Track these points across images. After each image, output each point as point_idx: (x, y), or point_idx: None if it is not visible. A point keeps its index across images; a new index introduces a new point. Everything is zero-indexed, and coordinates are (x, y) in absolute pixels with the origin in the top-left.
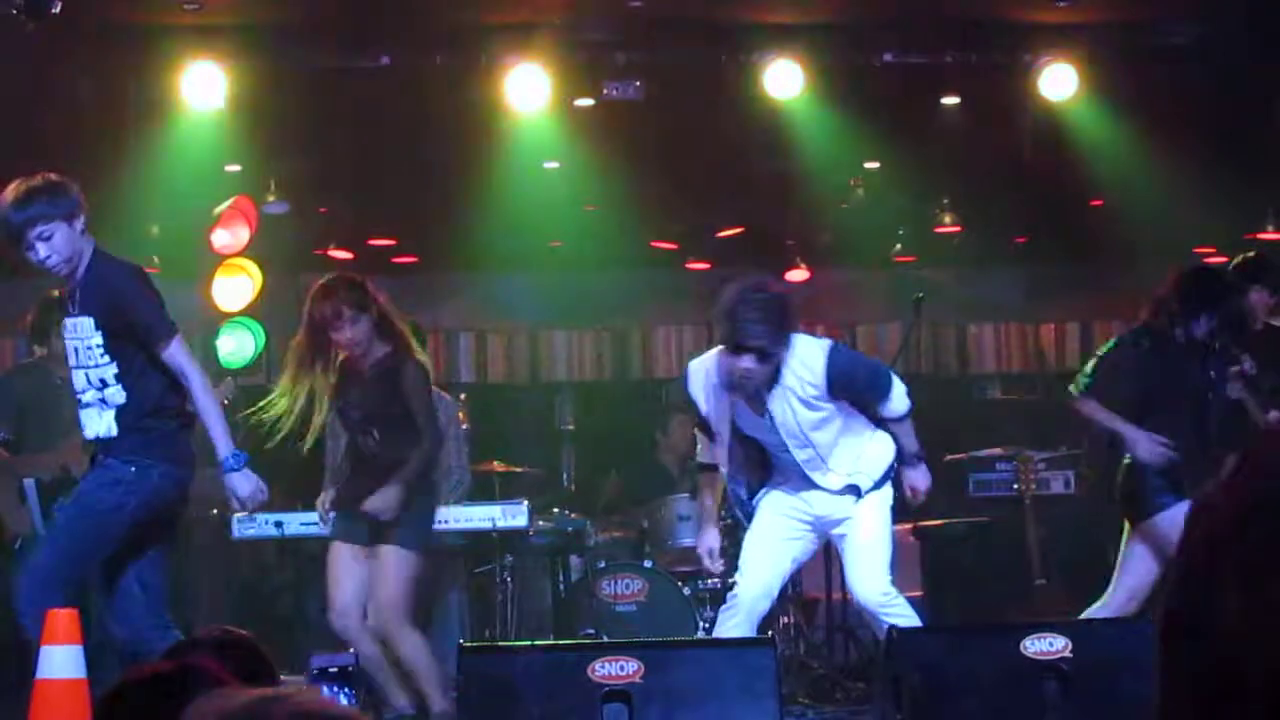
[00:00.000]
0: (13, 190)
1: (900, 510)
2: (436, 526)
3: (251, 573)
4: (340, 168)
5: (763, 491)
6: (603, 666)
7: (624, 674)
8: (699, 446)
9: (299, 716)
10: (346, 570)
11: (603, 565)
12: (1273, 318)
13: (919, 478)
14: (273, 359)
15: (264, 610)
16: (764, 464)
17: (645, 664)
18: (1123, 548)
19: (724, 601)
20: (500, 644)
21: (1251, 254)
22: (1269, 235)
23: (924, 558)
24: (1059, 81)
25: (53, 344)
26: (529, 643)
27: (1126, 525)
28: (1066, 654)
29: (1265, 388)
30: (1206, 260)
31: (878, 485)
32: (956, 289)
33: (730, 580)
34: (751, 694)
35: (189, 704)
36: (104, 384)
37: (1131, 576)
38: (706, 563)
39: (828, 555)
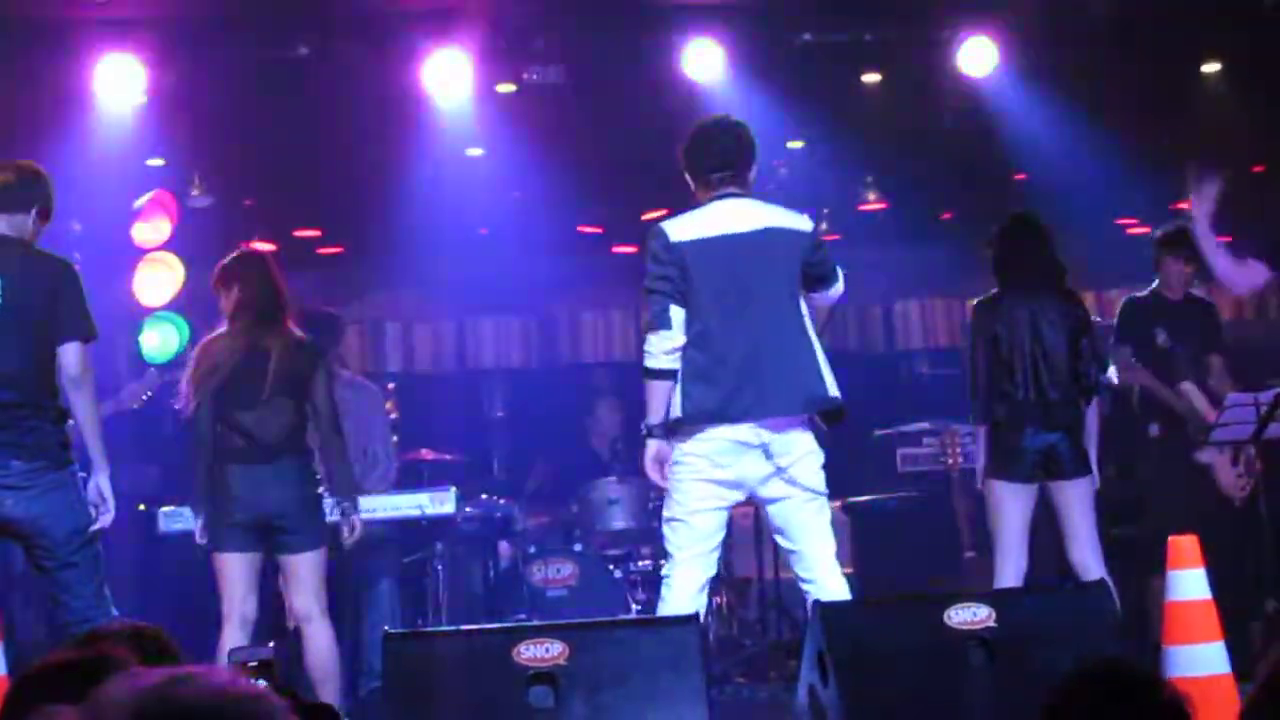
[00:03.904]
0: None
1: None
2: (365, 515)
3: (178, 570)
4: (263, 160)
5: None
6: (527, 649)
7: (549, 656)
8: None
9: (208, 695)
10: None
11: (533, 551)
12: (1192, 288)
13: None
14: None
15: (190, 609)
16: None
17: (570, 645)
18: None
19: (656, 582)
20: (425, 630)
21: (1174, 225)
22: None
23: (854, 533)
24: (979, 56)
25: None
26: (455, 628)
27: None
28: (990, 623)
29: (1185, 357)
30: (1130, 231)
31: None
32: (882, 266)
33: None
34: (678, 671)
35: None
36: None
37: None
38: None
39: (759, 533)
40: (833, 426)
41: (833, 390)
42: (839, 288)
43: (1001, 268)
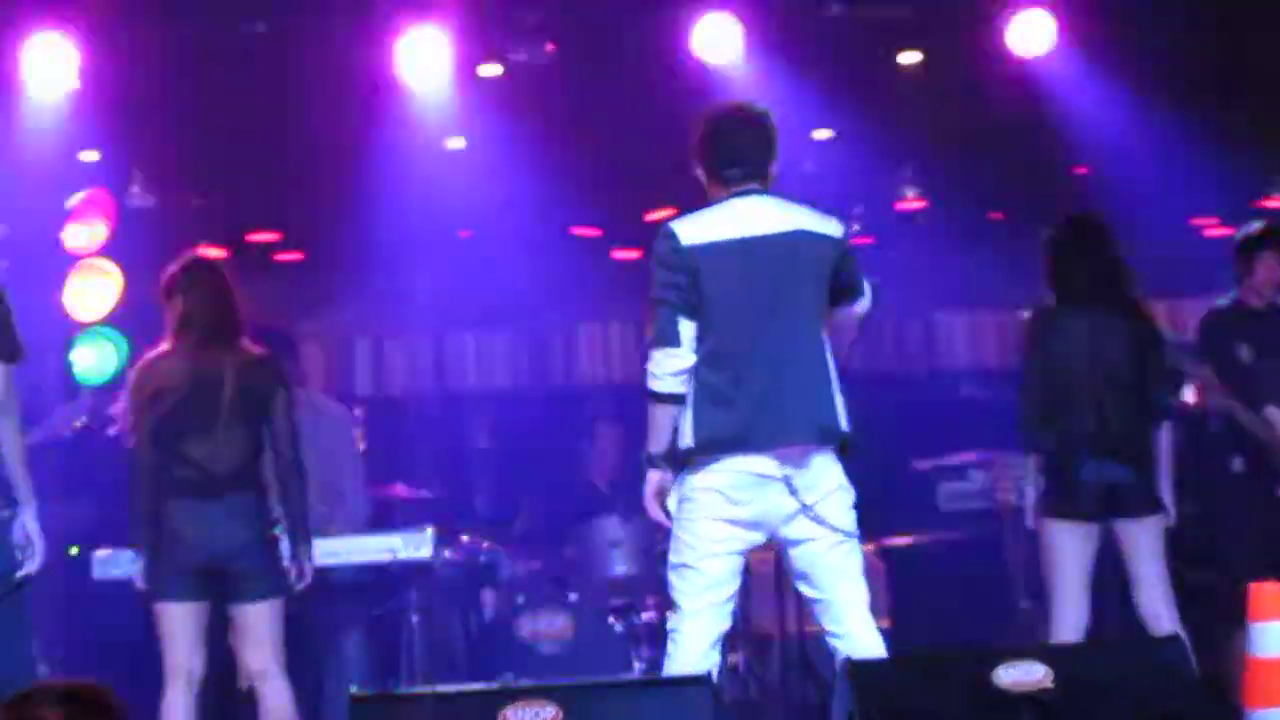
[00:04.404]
0: None
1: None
2: (330, 560)
3: (116, 621)
4: (212, 153)
5: None
6: (515, 713)
7: None
8: None
9: None
10: None
11: (521, 600)
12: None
13: None
14: None
15: (129, 666)
16: None
17: (564, 709)
18: None
19: (663, 637)
20: (396, 692)
21: (1260, 222)
22: (1278, 202)
23: (890, 580)
24: (1034, 33)
25: None
26: (430, 690)
27: None
28: (1046, 683)
29: (1273, 374)
30: (1208, 232)
31: None
32: (922, 273)
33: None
34: None
35: None
36: None
37: None
38: None
39: (780, 581)
40: (843, 462)
41: (844, 423)
42: (866, 301)
43: (1057, 276)
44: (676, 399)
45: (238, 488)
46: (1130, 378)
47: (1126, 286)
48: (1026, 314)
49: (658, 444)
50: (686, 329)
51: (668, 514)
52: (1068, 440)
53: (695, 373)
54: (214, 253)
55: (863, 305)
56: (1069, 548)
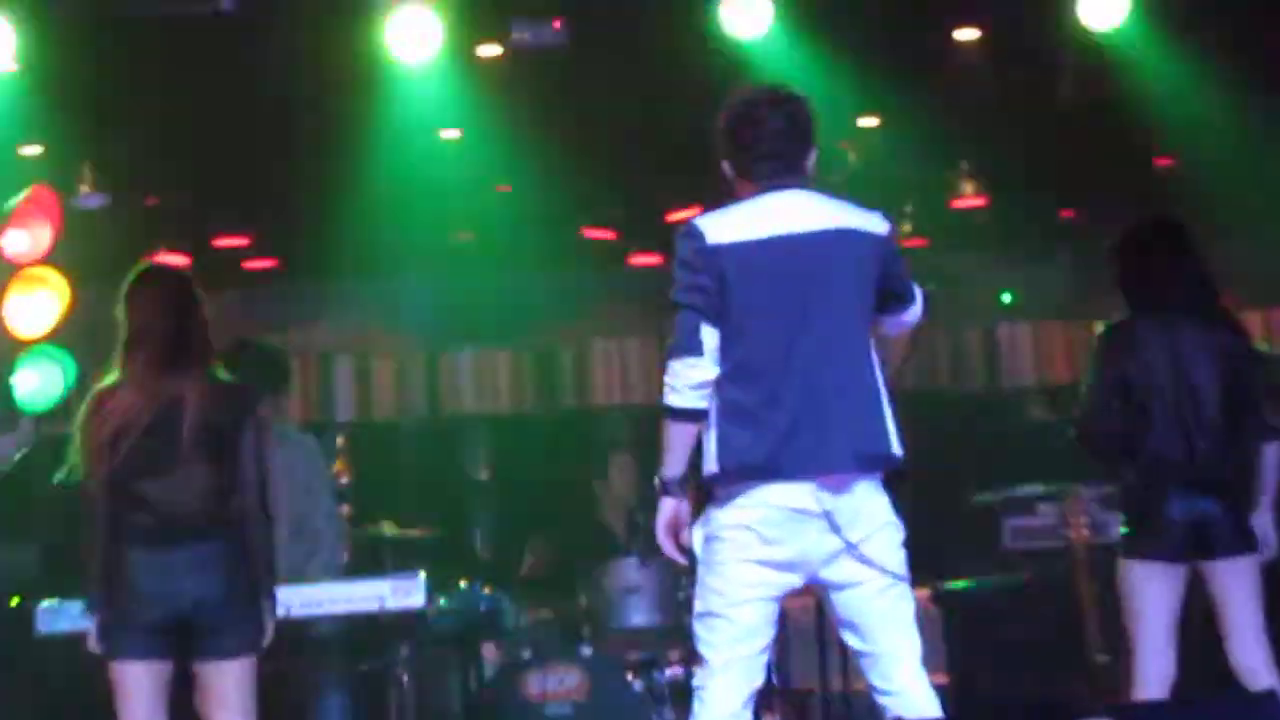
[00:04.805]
0: None
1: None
2: (308, 610)
3: (64, 681)
4: (173, 146)
5: None
6: None
7: None
8: None
9: None
10: None
11: (528, 655)
12: None
13: None
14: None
15: None
16: None
17: None
18: None
19: (688, 695)
20: None
21: None
22: None
23: (947, 630)
24: (1106, 5)
25: None
26: None
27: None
28: None
29: None
30: None
31: None
32: (983, 279)
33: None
34: None
35: None
36: None
37: None
38: None
39: (821, 631)
40: (892, 495)
41: (897, 446)
42: (917, 310)
43: (1134, 284)
44: (696, 415)
45: (203, 532)
46: (1220, 399)
47: (1211, 297)
48: (1100, 327)
49: (673, 467)
50: (710, 337)
51: (683, 549)
52: (1150, 471)
53: (718, 389)
54: (175, 260)
55: (913, 314)
56: (1153, 592)
